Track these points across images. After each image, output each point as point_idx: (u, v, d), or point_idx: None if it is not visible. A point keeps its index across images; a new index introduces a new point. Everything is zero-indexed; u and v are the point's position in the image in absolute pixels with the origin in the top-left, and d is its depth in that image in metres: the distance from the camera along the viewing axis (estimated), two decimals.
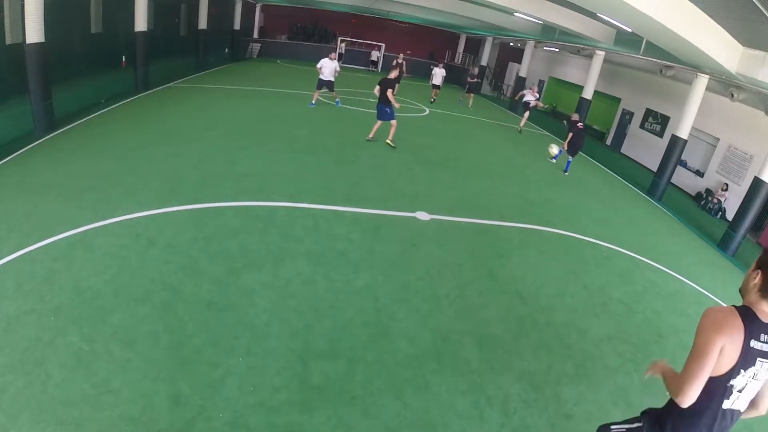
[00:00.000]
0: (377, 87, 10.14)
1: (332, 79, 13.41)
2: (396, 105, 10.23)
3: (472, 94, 18.87)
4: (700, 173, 13.65)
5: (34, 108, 8.17)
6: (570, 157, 11.58)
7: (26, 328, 3.68)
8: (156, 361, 3.59)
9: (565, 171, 11.61)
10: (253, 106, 12.72)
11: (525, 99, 15.72)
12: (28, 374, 3.27)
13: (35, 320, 3.79)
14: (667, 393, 2.13)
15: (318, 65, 13.20)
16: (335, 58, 13.59)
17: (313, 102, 13.63)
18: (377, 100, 10.29)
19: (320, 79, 13.31)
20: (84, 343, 3.64)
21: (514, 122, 18.05)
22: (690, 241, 9.15)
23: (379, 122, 10.49)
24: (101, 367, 3.44)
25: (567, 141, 11.56)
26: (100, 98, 10.81)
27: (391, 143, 10.52)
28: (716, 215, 12.02)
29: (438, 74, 18.10)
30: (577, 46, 17.44)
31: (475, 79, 18.81)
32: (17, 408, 3.01)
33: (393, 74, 10.23)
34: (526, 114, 15.76)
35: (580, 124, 11.54)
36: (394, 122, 10.37)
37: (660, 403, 2.40)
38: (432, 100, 18.38)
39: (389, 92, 9.93)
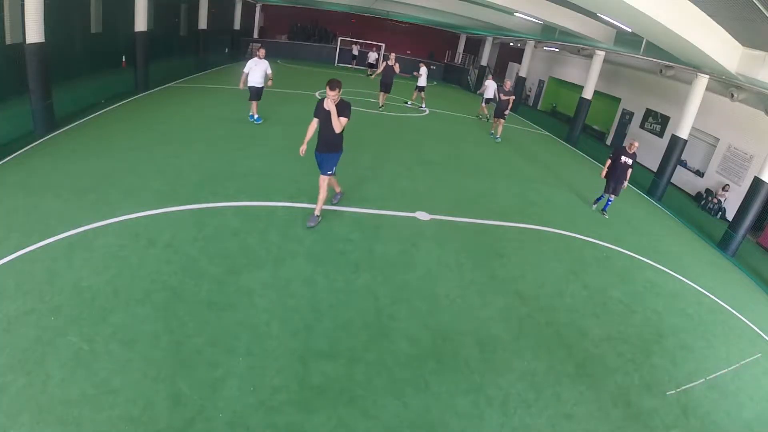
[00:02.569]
0: (313, 122, 5.92)
1: (262, 85, 10.32)
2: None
3: (501, 120, 13.65)
4: (700, 173, 13.64)
5: (34, 108, 8.17)
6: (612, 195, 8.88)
7: (26, 328, 3.69)
8: (156, 361, 3.59)
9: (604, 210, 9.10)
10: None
11: (486, 95, 15.80)
12: (28, 374, 3.27)
13: (35, 320, 3.79)
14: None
15: (245, 69, 10.08)
16: (264, 56, 10.43)
17: (254, 116, 10.75)
18: (321, 144, 5.97)
19: (249, 87, 10.20)
20: (84, 343, 3.64)
21: (516, 122, 18.06)
22: (690, 241, 9.15)
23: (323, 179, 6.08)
24: (101, 367, 3.44)
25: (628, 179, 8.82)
26: (100, 98, 10.81)
27: (316, 220, 6.19)
28: (716, 215, 12.02)
29: (423, 75, 15.67)
30: (577, 46, 17.43)
31: (510, 97, 13.64)
32: (17, 408, 3.01)
33: (331, 98, 5.55)
34: (484, 106, 15.91)
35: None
36: (328, 179, 6.15)
37: (662, 403, 2.39)
38: (421, 105, 16.26)
39: (337, 123, 5.70)
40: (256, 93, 10.44)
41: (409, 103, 16.67)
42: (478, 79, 26.84)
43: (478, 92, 16.99)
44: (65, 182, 6.30)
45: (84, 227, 5.24)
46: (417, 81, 16.08)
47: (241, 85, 10.22)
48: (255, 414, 3.29)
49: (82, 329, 3.77)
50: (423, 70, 15.83)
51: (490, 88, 15.81)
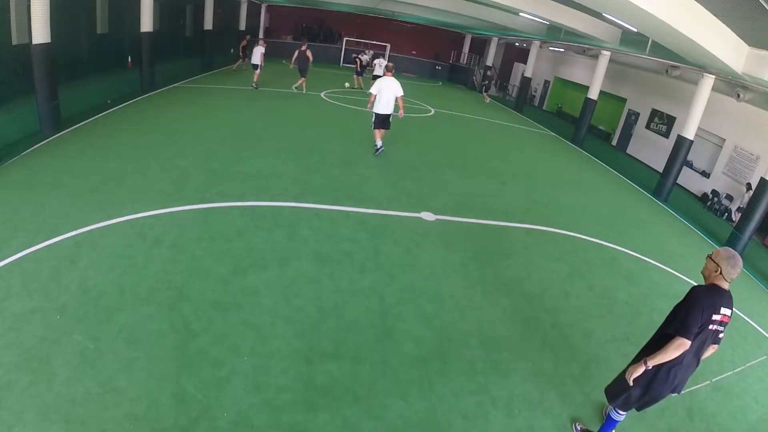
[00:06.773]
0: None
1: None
2: None
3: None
4: (706, 174, 13.56)
5: (41, 108, 8.21)
6: None
7: (32, 327, 3.70)
8: (161, 360, 3.60)
9: None
10: (258, 107, 12.74)
11: (375, 73, 17.65)
12: (33, 372, 3.29)
13: (41, 319, 3.80)
14: None
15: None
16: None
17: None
18: None
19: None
20: (89, 341, 3.65)
21: (521, 122, 18.03)
22: (696, 242, 9.09)
23: None
24: (106, 365, 3.45)
25: None
26: (106, 98, 10.85)
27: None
28: (722, 216, 11.95)
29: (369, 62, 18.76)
30: (583, 46, 17.36)
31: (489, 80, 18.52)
32: (22, 406, 3.02)
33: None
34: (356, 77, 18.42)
35: None
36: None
37: (666, 405, 2.36)
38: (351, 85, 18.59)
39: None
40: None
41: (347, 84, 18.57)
42: (484, 78, 26.81)
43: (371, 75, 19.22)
44: (71, 182, 6.33)
45: (90, 227, 5.26)
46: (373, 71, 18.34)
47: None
48: (259, 413, 3.29)
49: (88, 328, 3.79)
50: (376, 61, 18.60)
51: (372, 62, 18.53)
